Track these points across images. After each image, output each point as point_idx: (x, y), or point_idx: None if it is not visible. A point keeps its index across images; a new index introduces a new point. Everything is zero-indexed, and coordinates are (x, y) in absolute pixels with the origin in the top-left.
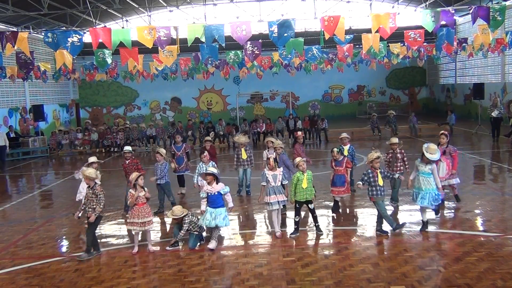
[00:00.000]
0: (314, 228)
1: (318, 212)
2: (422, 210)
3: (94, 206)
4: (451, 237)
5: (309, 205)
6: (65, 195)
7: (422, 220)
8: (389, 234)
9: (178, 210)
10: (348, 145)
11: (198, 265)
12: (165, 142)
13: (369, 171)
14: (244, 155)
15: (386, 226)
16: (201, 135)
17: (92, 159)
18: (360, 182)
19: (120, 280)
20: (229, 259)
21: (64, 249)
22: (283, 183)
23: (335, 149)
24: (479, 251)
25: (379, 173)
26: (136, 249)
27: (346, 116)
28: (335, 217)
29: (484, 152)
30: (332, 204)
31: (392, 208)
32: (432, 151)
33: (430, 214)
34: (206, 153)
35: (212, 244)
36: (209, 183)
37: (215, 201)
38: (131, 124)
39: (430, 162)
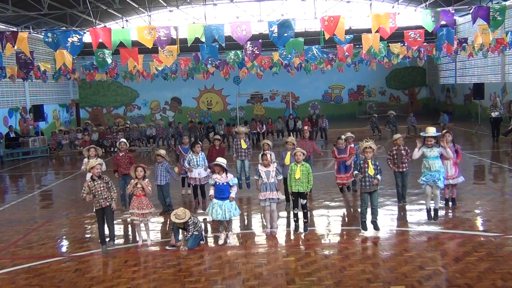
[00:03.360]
0: (302, 223)
1: (318, 212)
2: (427, 195)
3: (106, 196)
4: (451, 237)
5: (301, 200)
6: (65, 195)
7: (426, 209)
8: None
9: (181, 212)
10: (353, 144)
11: (198, 265)
12: (163, 142)
13: (362, 160)
14: (243, 145)
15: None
16: (201, 135)
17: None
18: (356, 171)
19: (120, 280)
20: (229, 259)
21: (64, 249)
22: (277, 178)
23: (343, 136)
24: (479, 251)
25: (370, 163)
26: (140, 241)
27: (346, 116)
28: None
29: (484, 152)
30: (331, 204)
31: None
32: (428, 129)
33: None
34: (199, 144)
35: (232, 238)
36: (218, 173)
37: (223, 191)
38: (131, 124)
39: (434, 145)
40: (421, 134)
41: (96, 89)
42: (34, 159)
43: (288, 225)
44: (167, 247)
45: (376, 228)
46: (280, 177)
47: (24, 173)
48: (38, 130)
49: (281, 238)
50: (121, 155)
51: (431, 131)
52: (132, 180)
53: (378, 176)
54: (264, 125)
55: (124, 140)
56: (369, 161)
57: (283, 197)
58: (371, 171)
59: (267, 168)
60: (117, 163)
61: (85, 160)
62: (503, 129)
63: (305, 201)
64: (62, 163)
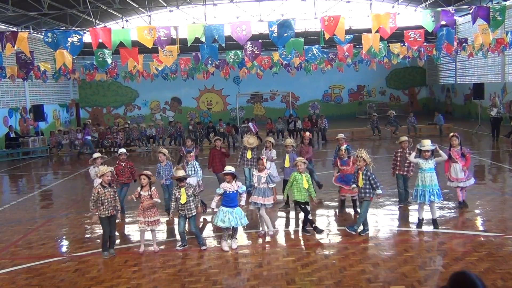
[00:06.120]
0: (300, 228)
1: (317, 211)
2: (420, 207)
3: (114, 204)
4: (451, 237)
5: (307, 206)
6: (65, 195)
7: (418, 218)
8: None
9: (181, 171)
10: (345, 145)
11: (198, 265)
12: (163, 142)
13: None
14: (249, 155)
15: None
16: (201, 135)
17: (96, 155)
18: (354, 185)
19: (120, 280)
20: (229, 259)
21: (64, 249)
22: (269, 186)
23: (343, 147)
24: (479, 251)
25: (361, 174)
26: (142, 248)
27: (346, 116)
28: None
29: (484, 152)
30: (331, 204)
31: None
32: (425, 143)
33: (427, 214)
34: (193, 153)
35: (235, 244)
36: (228, 182)
37: (233, 199)
38: (131, 124)
39: (430, 157)
40: (418, 146)
41: (96, 89)
42: (34, 159)
43: (287, 225)
44: (177, 247)
45: (355, 232)
46: (273, 185)
47: (24, 173)
48: (38, 130)
49: (281, 238)
50: (122, 165)
51: (427, 143)
52: (139, 188)
53: (379, 191)
54: (251, 125)
55: (124, 151)
56: (360, 172)
57: (280, 197)
58: (360, 183)
59: (260, 173)
60: (118, 173)
61: (91, 168)
62: (503, 129)
63: (309, 207)
64: (62, 163)
